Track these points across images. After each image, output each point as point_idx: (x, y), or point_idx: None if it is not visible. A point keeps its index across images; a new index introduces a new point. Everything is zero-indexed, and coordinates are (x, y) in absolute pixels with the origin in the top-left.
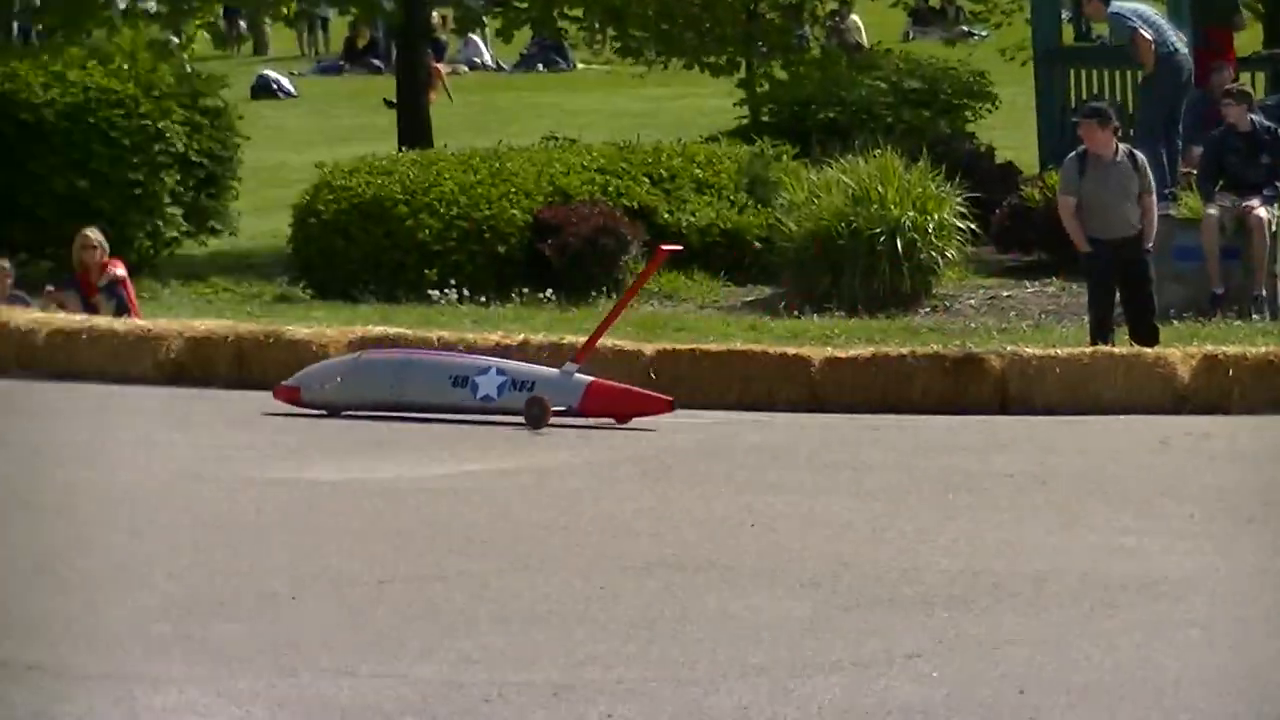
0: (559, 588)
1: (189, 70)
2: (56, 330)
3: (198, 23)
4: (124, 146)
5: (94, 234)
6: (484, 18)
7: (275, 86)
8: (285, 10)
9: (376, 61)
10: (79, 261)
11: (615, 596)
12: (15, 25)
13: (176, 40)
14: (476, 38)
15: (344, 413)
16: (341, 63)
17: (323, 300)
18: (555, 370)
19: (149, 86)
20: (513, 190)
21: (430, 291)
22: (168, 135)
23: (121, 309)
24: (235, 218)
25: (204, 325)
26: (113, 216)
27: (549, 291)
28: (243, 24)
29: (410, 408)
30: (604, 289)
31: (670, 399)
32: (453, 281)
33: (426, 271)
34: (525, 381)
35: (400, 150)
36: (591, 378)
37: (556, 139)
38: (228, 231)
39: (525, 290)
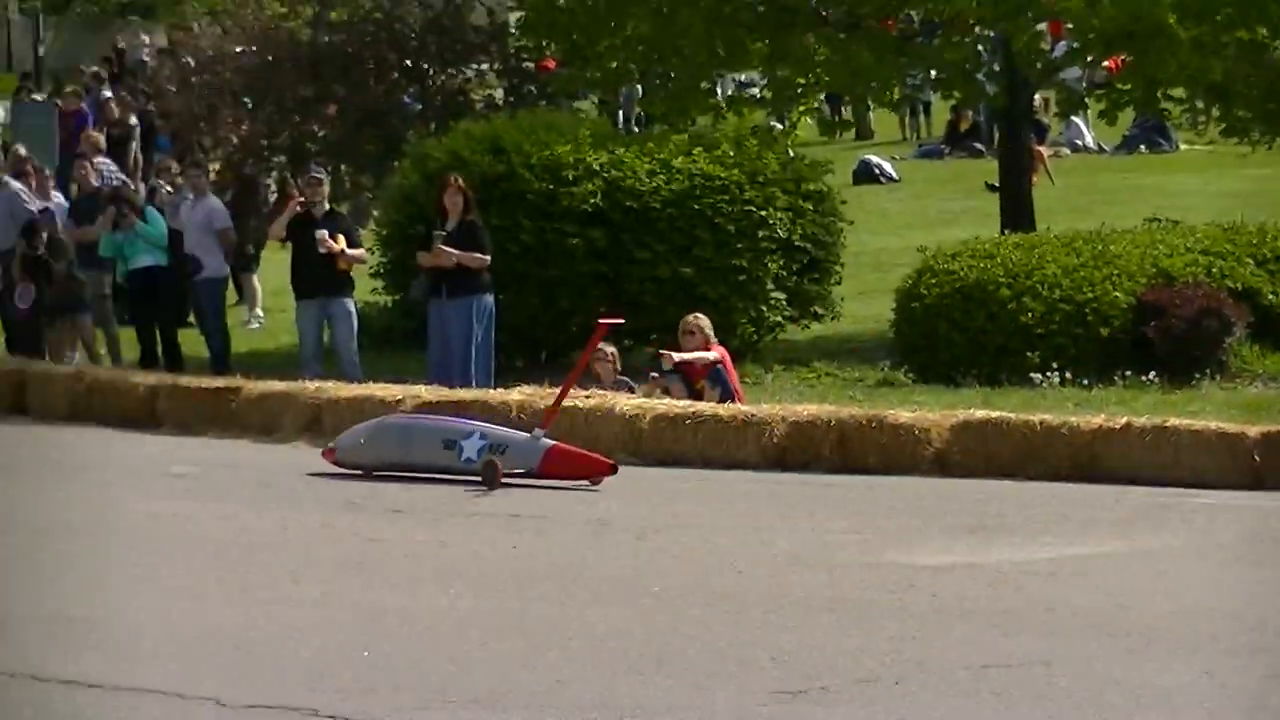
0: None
1: (793, 156)
2: (660, 416)
3: (801, 109)
4: (728, 233)
5: (695, 319)
6: (1086, 100)
7: (877, 171)
8: (888, 96)
9: (979, 145)
10: (701, 345)
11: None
12: (621, 113)
13: (780, 126)
14: (1079, 120)
15: (374, 473)
16: (943, 146)
17: (924, 384)
18: (525, 435)
19: (754, 173)
20: (1116, 273)
21: (1032, 374)
22: (771, 221)
23: (725, 395)
24: (838, 302)
25: (807, 410)
26: (716, 302)
27: (1152, 374)
28: (845, 110)
29: (413, 468)
30: (1208, 370)
31: (612, 462)
32: (1055, 364)
33: (1029, 354)
34: (499, 445)
35: (1003, 234)
36: (553, 442)
37: (1159, 220)
38: (830, 316)
39: (1128, 373)
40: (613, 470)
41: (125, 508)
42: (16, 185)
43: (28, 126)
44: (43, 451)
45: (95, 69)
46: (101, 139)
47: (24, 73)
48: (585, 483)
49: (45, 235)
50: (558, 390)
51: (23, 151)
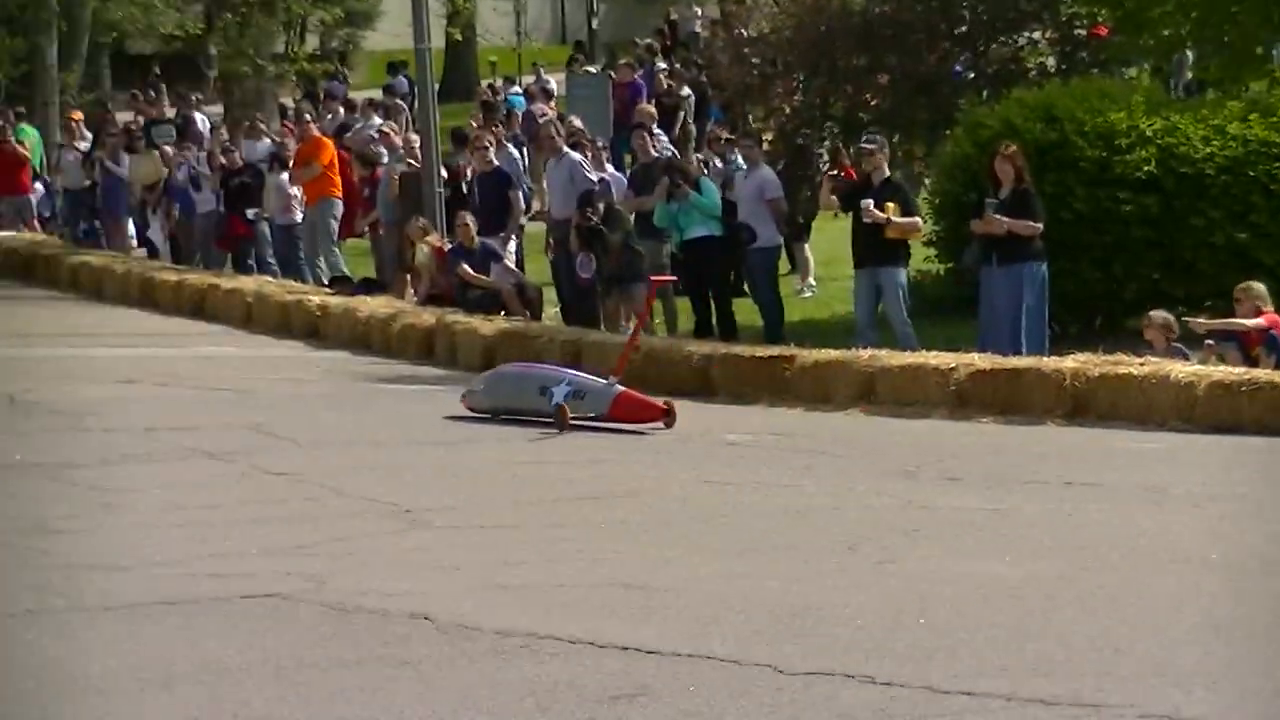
0: None
1: None
2: (1216, 383)
3: None
4: None
5: (1244, 287)
6: None
7: None
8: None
9: None
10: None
11: None
12: (1172, 80)
13: None
14: None
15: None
16: None
17: None
18: (603, 382)
19: None
20: None
21: None
22: None
23: None
24: None
25: None
26: (1273, 268)
27: None
28: None
29: (519, 412)
30: None
31: (665, 407)
32: None
33: None
34: (580, 391)
35: None
36: (622, 389)
37: None
38: None
39: None
40: (668, 414)
41: (681, 476)
42: (576, 156)
43: (582, 98)
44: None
45: (648, 41)
46: (654, 110)
47: (577, 43)
48: (654, 427)
49: (602, 205)
50: (1100, 354)
51: (578, 123)
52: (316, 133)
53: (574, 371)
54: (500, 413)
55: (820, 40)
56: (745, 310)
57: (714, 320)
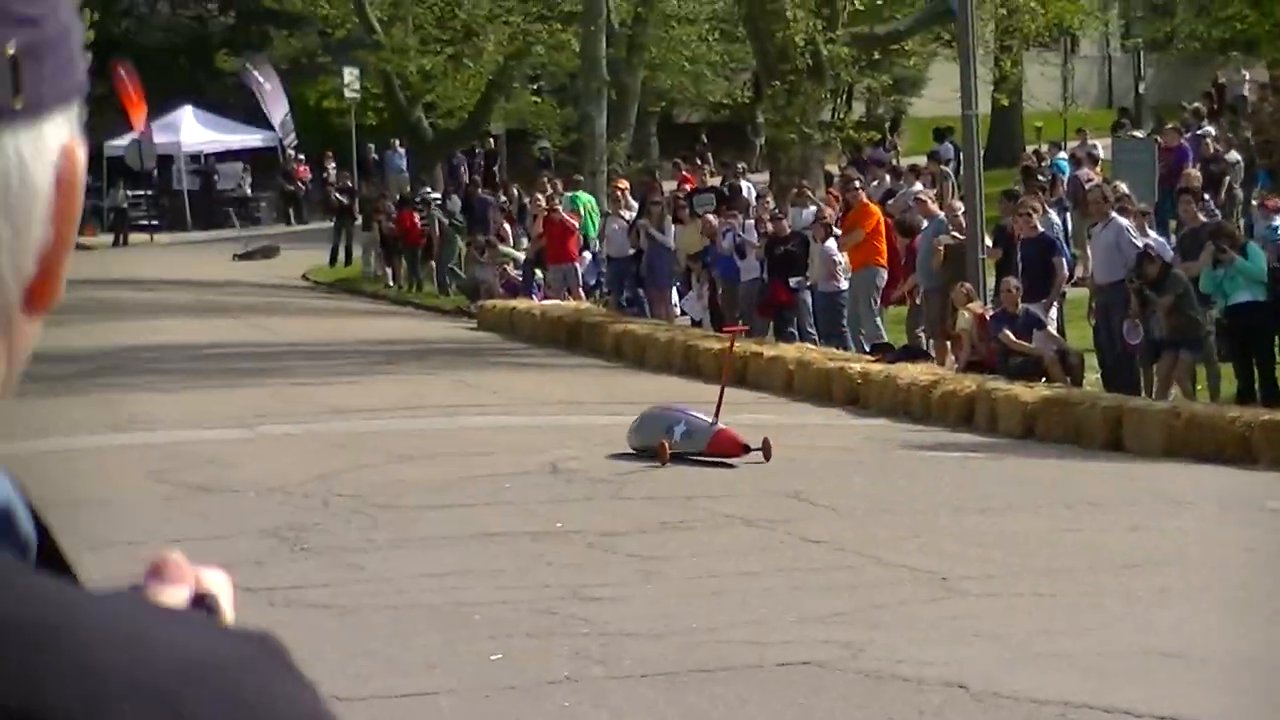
0: None
1: None
2: None
3: None
4: None
5: None
6: None
7: None
8: None
9: None
10: None
11: None
12: None
13: None
14: None
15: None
16: None
17: None
18: (706, 422)
19: None
20: None
21: None
22: None
23: None
24: None
25: None
26: None
27: None
28: None
29: (649, 449)
30: None
31: (744, 443)
32: None
33: None
34: (690, 430)
35: None
36: (721, 428)
37: None
38: None
39: None
40: (744, 450)
41: (1222, 543)
42: (1123, 220)
43: (1128, 163)
44: (1139, 486)
45: (1196, 105)
46: (1200, 175)
47: (1123, 109)
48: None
49: (1155, 269)
50: None
51: (1124, 188)
52: (864, 199)
53: (693, 414)
54: (642, 450)
55: None
56: None
57: (1257, 385)
